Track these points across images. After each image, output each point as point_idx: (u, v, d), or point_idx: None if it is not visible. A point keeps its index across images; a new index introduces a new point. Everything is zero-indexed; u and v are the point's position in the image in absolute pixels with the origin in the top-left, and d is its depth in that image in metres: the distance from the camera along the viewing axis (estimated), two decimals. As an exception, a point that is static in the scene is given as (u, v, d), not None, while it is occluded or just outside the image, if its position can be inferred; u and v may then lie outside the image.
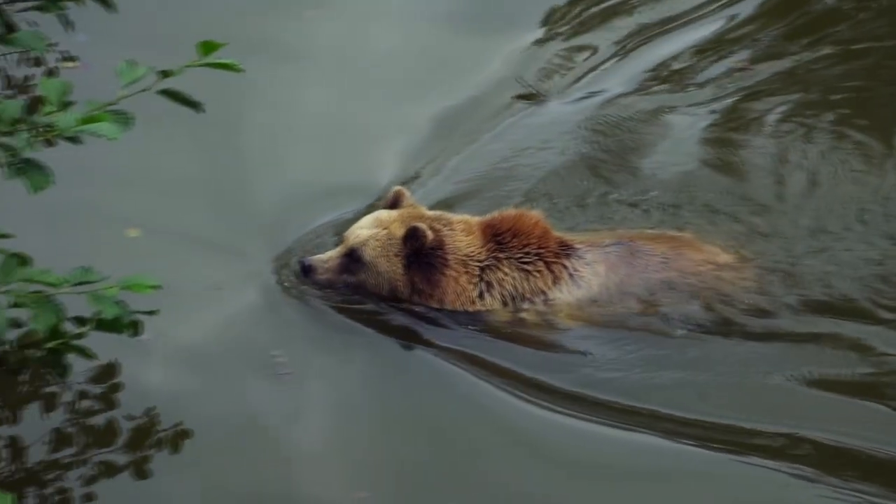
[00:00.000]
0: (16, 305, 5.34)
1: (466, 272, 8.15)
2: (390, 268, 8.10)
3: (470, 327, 8.15)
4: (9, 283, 5.33)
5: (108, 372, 7.63)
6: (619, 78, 10.92)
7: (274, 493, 7.19)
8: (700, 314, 8.21)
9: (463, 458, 7.44)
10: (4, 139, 5.16)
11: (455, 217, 8.33)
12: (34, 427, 7.31)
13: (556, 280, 8.17)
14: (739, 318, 8.21)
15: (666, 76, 10.98)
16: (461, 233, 8.19)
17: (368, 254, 8.12)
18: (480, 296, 8.17)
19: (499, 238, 8.20)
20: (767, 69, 10.98)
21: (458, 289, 8.14)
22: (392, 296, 8.19)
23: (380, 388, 7.86)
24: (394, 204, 8.32)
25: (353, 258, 8.16)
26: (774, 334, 8.19)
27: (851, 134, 9.85)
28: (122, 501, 7.01)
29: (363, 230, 8.15)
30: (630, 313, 8.19)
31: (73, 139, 5.20)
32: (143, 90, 5.31)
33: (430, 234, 8.03)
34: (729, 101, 10.50)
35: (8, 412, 7.36)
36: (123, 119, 5.26)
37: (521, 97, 10.49)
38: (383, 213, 8.24)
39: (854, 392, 7.80)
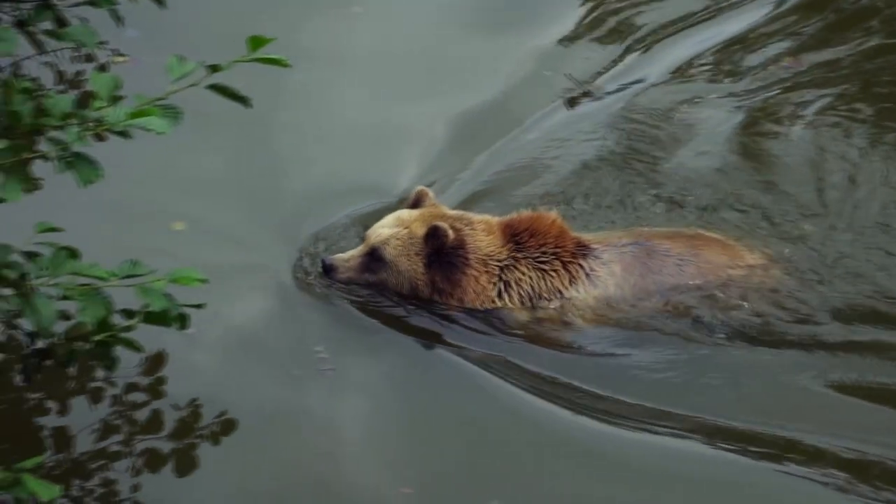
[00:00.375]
0: (65, 298, 5.39)
1: (486, 271, 8.17)
2: (411, 267, 8.13)
3: (491, 326, 8.15)
4: (58, 275, 5.38)
5: (153, 363, 7.69)
6: (657, 70, 10.88)
7: (317, 487, 7.23)
8: (715, 315, 8.19)
9: (500, 457, 7.46)
10: (55, 133, 5.20)
11: (476, 217, 8.35)
12: (80, 417, 7.38)
13: (572, 280, 8.18)
14: (757, 321, 8.18)
15: (701, 70, 10.93)
16: (482, 232, 8.21)
17: (389, 253, 8.14)
18: (499, 295, 8.20)
19: (517, 238, 8.23)
20: (810, 61, 10.95)
21: (478, 288, 8.16)
22: (412, 294, 8.21)
23: (414, 385, 7.91)
24: (416, 203, 8.35)
25: (374, 257, 8.19)
26: (798, 338, 8.14)
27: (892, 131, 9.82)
28: (165, 492, 7.06)
29: (384, 229, 8.19)
30: (645, 313, 8.18)
31: (123, 133, 5.23)
32: (192, 85, 5.33)
33: (451, 234, 8.05)
34: (767, 94, 10.43)
35: (55, 403, 7.46)
36: (173, 113, 5.29)
37: (576, 95, 10.49)
38: (405, 213, 8.29)
39: (885, 400, 7.77)
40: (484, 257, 8.20)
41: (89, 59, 9.80)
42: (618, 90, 10.63)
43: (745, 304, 8.20)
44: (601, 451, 7.47)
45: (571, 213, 9.06)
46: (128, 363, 7.53)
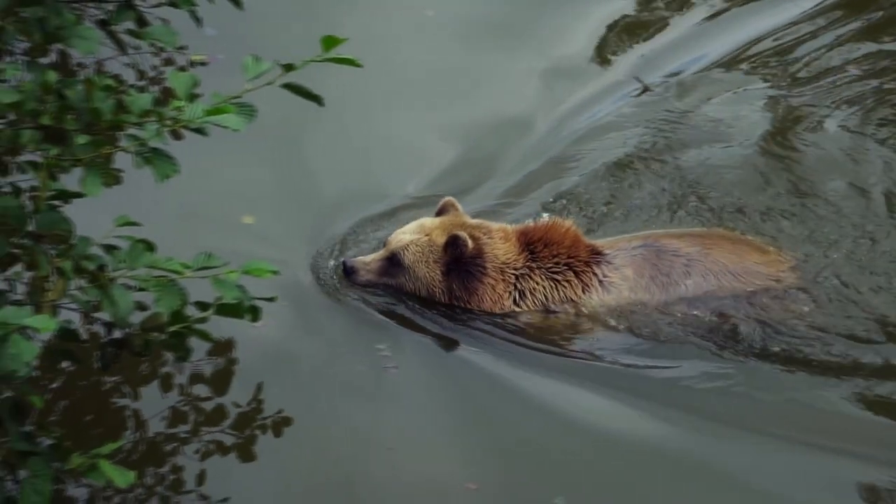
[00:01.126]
0: (141, 289, 5.49)
1: (503, 280, 8.25)
2: (429, 273, 8.23)
3: (516, 331, 8.24)
4: (135, 268, 5.48)
5: (218, 353, 7.85)
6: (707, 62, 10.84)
7: (382, 482, 7.32)
8: (722, 314, 8.20)
9: (564, 454, 7.53)
10: (134, 130, 5.31)
11: (494, 225, 8.42)
12: (151, 404, 7.52)
13: (585, 288, 8.23)
14: (768, 322, 8.19)
15: (751, 65, 10.88)
16: (499, 241, 8.29)
17: (408, 258, 8.24)
18: (515, 303, 8.27)
19: (532, 247, 8.29)
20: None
21: (495, 296, 8.25)
22: (429, 299, 8.31)
23: (474, 384, 7.95)
24: (441, 212, 8.44)
25: (393, 261, 8.30)
26: (811, 341, 8.15)
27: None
28: (230, 480, 7.18)
29: (405, 235, 8.31)
30: (658, 315, 8.21)
31: (200, 130, 5.32)
32: (267, 84, 5.41)
33: (470, 243, 8.12)
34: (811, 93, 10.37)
35: (129, 390, 7.59)
36: (248, 111, 5.37)
37: (641, 88, 10.47)
38: (427, 220, 8.41)
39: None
40: (501, 266, 8.28)
41: (169, 57, 9.99)
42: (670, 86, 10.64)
43: (754, 304, 8.21)
44: (663, 452, 7.51)
45: (608, 213, 9.11)
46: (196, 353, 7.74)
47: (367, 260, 8.41)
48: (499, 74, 10.66)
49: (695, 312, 8.24)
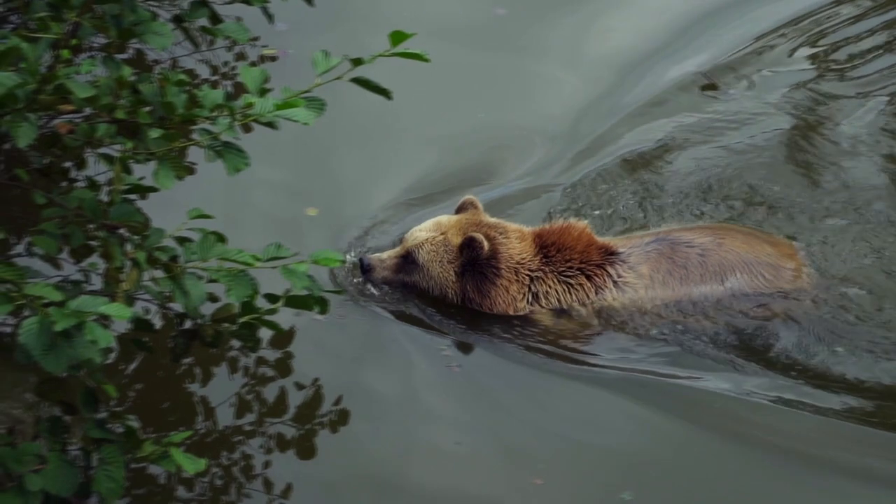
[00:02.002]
0: (212, 281, 5.58)
1: (517, 281, 8.21)
2: (442, 273, 8.18)
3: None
4: (207, 259, 5.57)
5: (284, 344, 7.94)
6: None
7: (448, 476, 7.38)
8: (739, 307, 8.18)
9: (630, 450, 7.54)
10: (206, 124, 5.40)
11: (511, 226, 8.35)
12: (222, 395, 7.64)
13: (598, 290, 8.18)
14: (781, 314, 8.18)
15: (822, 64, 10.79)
16: (515, 240, 8.23)
17: (423, 256, 8.19)
18: (529, 304, 8.23)
19: (546, 251, 8.24)
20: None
21: (508, 298, 8.22)
22: (442, 298, 8.27)
23: (532, 383, 7.96)
24: (460, 210, 8.40)
25: (408, 259, 8.25)
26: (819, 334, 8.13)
27: None
28: (297, 470, 7.25)
29: (421, 232, 8.27)
30: (678, 310, 8.19)
31: (270, 124, 5.40)
32: (337, 78, 5.48)
33: (486, 245, 8.08)
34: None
35: (200, 379, 7.72)
36: (317, 105, 5.44)
37: (705, 87, 10.42)
38: (444, 218, 8.37)
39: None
40: (516, 266, 8.24)
41: (241, 52, 10.10)
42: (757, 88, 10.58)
43: (772, 295, 8.22)
44: (728, 447, 7.54)
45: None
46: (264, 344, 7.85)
47: (384, 257, 8.35)
48: (560, 73, 10.65)
49: (715, 303, 8.23)
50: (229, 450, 7.29)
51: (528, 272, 8.24)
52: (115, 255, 5.47)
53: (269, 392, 7.68)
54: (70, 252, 5.73)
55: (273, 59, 10.02)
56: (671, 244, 8.28)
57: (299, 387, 7.71)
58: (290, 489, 7.13)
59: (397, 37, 5.37)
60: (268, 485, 7.13)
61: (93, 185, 5.77)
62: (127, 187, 5.58)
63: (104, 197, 5.61)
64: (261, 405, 7.60)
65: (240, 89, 5.54)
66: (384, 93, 5.56)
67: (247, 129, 5.50)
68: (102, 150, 5.59)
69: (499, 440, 7.59)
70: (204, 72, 9.85)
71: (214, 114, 5.38)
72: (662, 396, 7.83)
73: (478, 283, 8.21)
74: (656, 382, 7.92)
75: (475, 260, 8.16)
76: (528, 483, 7.29)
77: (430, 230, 8.28)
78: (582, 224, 8.34)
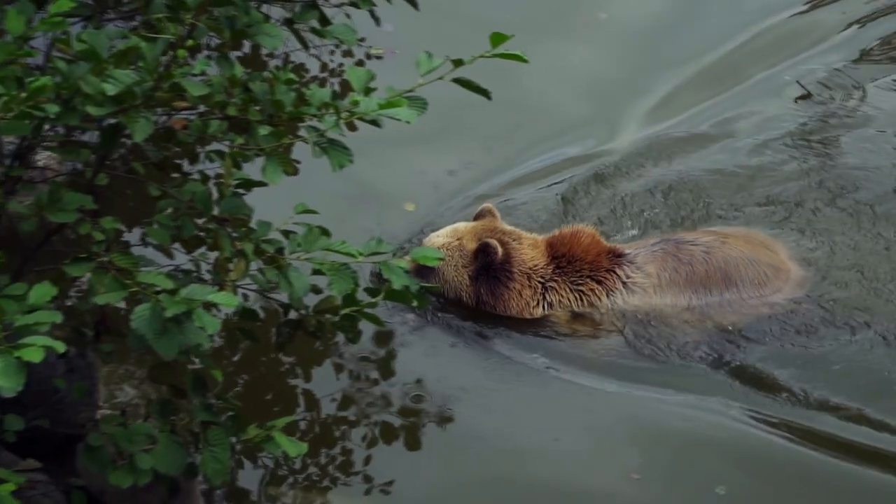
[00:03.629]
0: (315, 273, 5.69)
1: (530, 286, 8.23)
2: (457, 276, 8.21)
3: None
4: (311, 252, 5.69)
5: (385, 338, 8.09)
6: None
7: (547, 472, 7.48)
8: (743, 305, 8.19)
9: (722, 446, 7.57)
10: (313, 121, 5.50)
11: (525, 234, 8.37)
12: (325, 385, 7.78)
13: (609, 293, 8.19)
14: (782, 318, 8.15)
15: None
16: (529, 248, 8.26)
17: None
18: (544, 310, 8.26)
19: (558, 261, 8.26)
20: None
21: (522, 302, 8.24)
22: (456, 301, 8.30)
23: (628, 381, 8.03)
24: (478, 217, 8.43)
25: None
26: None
27: None
28: (394, 466, 7.37)
29: (438, 238, 8.30)
30: (686, 306, 8.18)
31: (374, 122, 5.47)
32: (438, 79, 5.53)
33: (500, 251, 8.09)
34: None
35: (304, 369, 7.86)
36: (419, 104, 5.50)
37: (800, 98, 10.32)
38: (461, 225, 8.41)
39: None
40: (528, 271, 8.27)
41: (349, 52, 10.24)
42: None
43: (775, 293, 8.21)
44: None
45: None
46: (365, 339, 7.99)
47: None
48: (655, 78, 10.63)
49: (723, 297, 8.24)
50: (329, 440, 7.44)
51: (540, 279, 8.30)
52: (224, 246, 5.58)
53: (371, 386, 7.82)
54: (182, 242, 5.87)
55: (379, 58, 10.15)
56: (676, 243, 8.34)
57: (400, 381, 7.86)
58: (391, 483, 7.28)
59: (497, 38, 5.42)
60: (367, 477, 7.28)
61: (204, 178, 5.90)
62: (236, 181, 5.70)
63: (214, 190, 5.76)
64: (362, 399, 7.72)
65: (348, 87, 5.62)
66: (484, 93, 5.61)
67: (351, 127, 5.61)
68: (214, 145, 5.72)
69: (595, 436, 7.67)
70: (314, 70, 10.02)
71: (321, 111, 5.46)
72: (754, 392, 7.82)
73: (491, 287, 8.28)
74: (745, 377, 7.92)
75: (489, 265, 8.22)
76: (626, 477, 7.36)
77: (446, 236, 8.36)
78: (590, 229, 8.41)
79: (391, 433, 7.54)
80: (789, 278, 8.38)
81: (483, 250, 8.20)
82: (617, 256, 8.37)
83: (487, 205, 8.53)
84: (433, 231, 8.62)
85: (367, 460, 7.37)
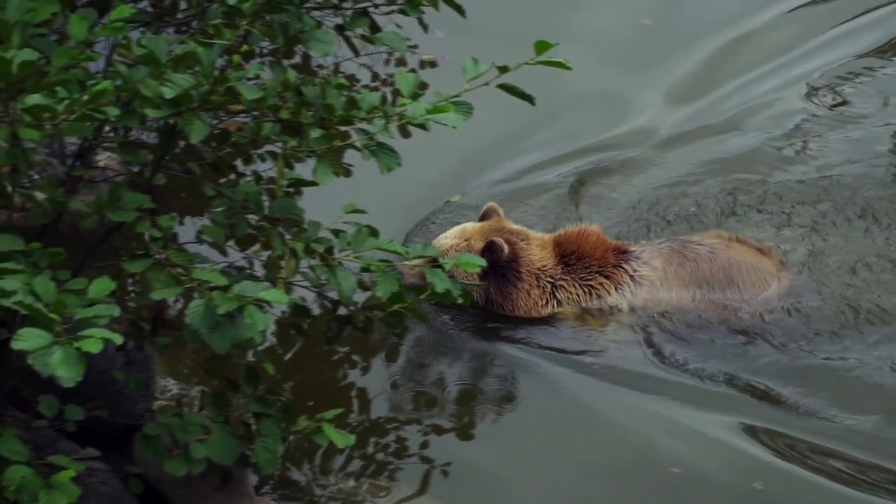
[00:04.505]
0: (363, 271, 5.77)
1: (538, 286, 8.20)
2: (466, 277, 8.06)
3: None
4: (360, 251, 5.76)
5: (431, 337, 8.15)
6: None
7: (593, 459, 7.54)
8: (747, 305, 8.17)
9: (760, 443, 7.56)
10: (363, 124, 5.54)
11: (533, 233, 8.34)
12: (374, 380, 7.85)
13: (618, 286, 8.18)
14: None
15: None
16: (537, 248, 8.23)
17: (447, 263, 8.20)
18: (553, 309, 8.24)
19: (566, 259, 8.24)
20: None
21: (530, 302, 8.20)
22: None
23: (657, 375, 8.04)
24: (484, 217, 8.39)
25: (433, 266, 8.25)
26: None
27: None
28: (443, 457, 7.40)
29: (446, 240, 8.26)
30: (690, 301, 8.18)
31: (422, 126, 5.50)
32: (484, 84, 5.56)
33: (506, 248, 8.05)
34: None
35: (352, 365, 7.95)
36: (465, 109, 5.53)
37: (834, 106, 10.25)
38: (468, 225, 8.37)
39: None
40: (537, 272, 8.24)
41: (402, 59, 10.27)
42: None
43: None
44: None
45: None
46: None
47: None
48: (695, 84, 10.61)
49: (724, 295, 8.25)
50: (378, 432, 7.49)
51: (549, 279, 8.29)
52: (276, 244, 5.66)
53: (419, 380, 7.88)
54: (235, 240, 5.95)
55: (432, 64, 10.19)
56: (682, 242, 8.38)
57: (447, 376, 7.92)
58: (446, 474, 7.32)
59: (541, 46, 5.45)
60: (416, 469, 7.33)
61: (258, 179, 5.98)
62: (288, 182, 5.79)
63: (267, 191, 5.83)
64: (410, 392, 7.77)
65: (400, 95, 5.65)
66: (528, 98, 5.63)
67: (405, 133, 5.66)
68: (267, 147, 5.79)
69: (638, 432, 7.66)
70: (367, 76, 10.08)
71: (370, 115, 5.50)
72: (784, 390, 7.82)
73: (500, 286, 8.26)
74: (769, 375, 7.93)
75: (496, 263, 8.18)
76: (668, 472, 7.36)
77: (454, 237, 8.32)
78: (595, 228, 8.42)
79: (439, 426, 7.58)
80: (787, 286, 8.39)
81: (489, 249, 8.16)
82: (623, 253, 8.40)
83: (492, 204, 8.53)
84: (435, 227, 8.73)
85: (416, 452, 7.42)
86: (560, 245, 8.39)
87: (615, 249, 8.42)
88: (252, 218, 5.78)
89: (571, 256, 8.35)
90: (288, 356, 7.82)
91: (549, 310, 8.32)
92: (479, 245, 8.22)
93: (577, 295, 8.32)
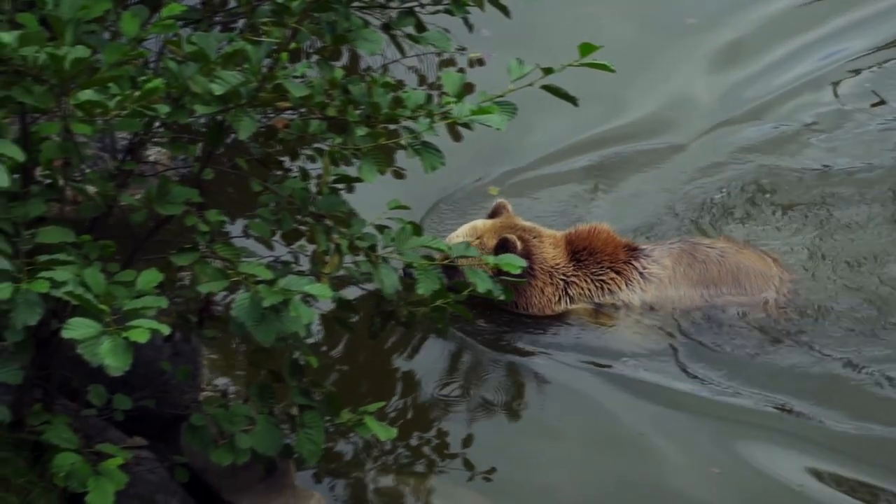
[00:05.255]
0: (408, 265, 5.76)
1: (552, 283, 8.15)
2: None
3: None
4: (403, 248, 5.76)
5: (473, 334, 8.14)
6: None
7: (632, 462, 7.48)
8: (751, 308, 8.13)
9: (798, 441, 7.53)
10: (409, 123, 5.55)
11: (545, 230, 8.28)
12: (417, 374, 7.86)
13: (628, 282, 8.14)
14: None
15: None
16: (549, 245, 8.17)
17: (460, 260, 8.15)
18: (566, 305, 8.20)
19: (578, 255, 8.19)
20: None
21: (544, 300, 8.16)
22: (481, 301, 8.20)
23: (700, 376, 7.99)
24: (493, 214, 8.33)
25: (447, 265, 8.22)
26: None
27: None
28: (488, 453, 7.39)
29: (458, 238, 8.16)
30: (697, 301, 8.14)
31: (466, 125, 5.50)
32: (528, 85, 5.54)
33: (519, 245, 7.96)
34: None
35: (398, 356, 7.95)
36: (509, 110, 5.51)
37: (876, 105, 10.16)
38: (479, 222, 8.31)
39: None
40: (550, 269, 8.20)
41: (450, 59, 10.25)
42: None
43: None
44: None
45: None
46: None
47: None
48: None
49: (731, 297, 8.21)
50: (420, 426, 7.51)
51: (562, 277, 8.25)
52: (321, 240, 5.67)
53: (461, 375, 7.89)
54: (281, 235, 5.97)
55: (480, 63, 10.18)
56: (693, 244, 8.36)
57: (489, 372, 7.92)
58: (493, 470, 7.30)
59: (586, 48, 5.41)
60: (457, 463, 7.32)
61: (304, 175, 5.99)
62: (334, 178, 5.79)
63: (314, 187, 5.84)
64: (453, 386, 7.78)
65: (442, 92, 5.65)
66: (572, 100, 5.60)
67: (455, 136, 5.65)
68: (314, 144, 5.79)
69: (676, 432, 7.62)
70: (413, 77, 10.08)
71: (415, 114, 5.50)
72: (831, 387, 7.76)
73: (513, 283, 8.22)
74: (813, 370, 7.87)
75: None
76: (707, 471, 7.33)
77: (466, 235, 8.26)
78: (605, 226, 8.39)
79: (479, 421, 7.59)
80: (793, 292, 8.36)
81: (502, 246, 8.08)
82: (633, 250, 8.40)
83: (501, 200, 8.49)
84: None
85: (458, 445, 7.42)
86: (571, 242, 8.38)
87: (626, 247, 8.41)
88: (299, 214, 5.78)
89: (583, 252, 8.35)
90: (332, 349, 7.84)
91: (562, 307, 8.30)
92: (492, 242, 8.18)
93: (589, 290, 8.30)
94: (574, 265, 8.32)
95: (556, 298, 8.29)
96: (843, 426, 7.57)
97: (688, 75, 10.46)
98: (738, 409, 7.72)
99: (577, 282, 8.30)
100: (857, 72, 10.46)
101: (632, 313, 8.26)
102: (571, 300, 8.31)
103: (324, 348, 7.81)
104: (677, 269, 8.28)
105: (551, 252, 8.30)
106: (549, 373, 7.97)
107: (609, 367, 8.04)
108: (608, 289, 8.30)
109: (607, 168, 9.54)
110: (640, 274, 8.30)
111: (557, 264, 8.31)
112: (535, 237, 8.30)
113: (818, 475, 7.29)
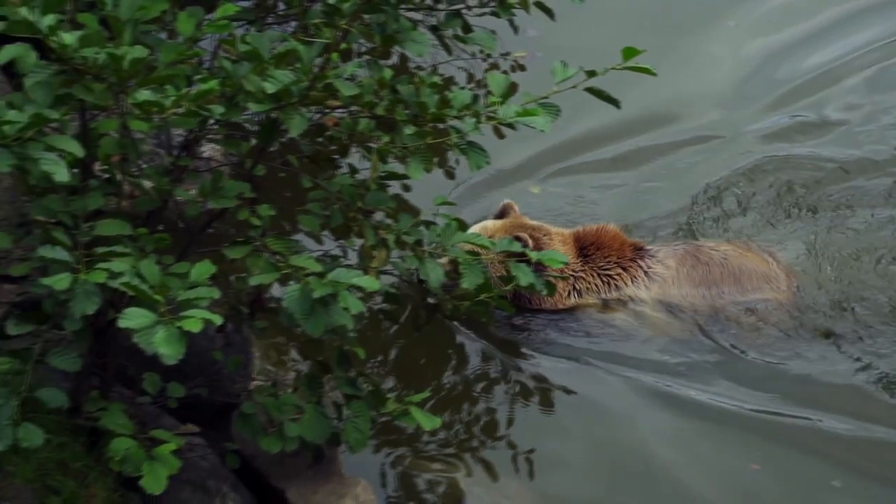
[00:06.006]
0: (452, 262, 5.82)
1: (562, 279, 8.08)
2: (492, 273, 8.05)
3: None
4: (448, 244, 5.81)
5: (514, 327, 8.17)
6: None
7: (673, 457, 7.51)
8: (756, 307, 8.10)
9: (838, 441, 7.51)
10: (455, 122, 5.56)
11: (553, 228, 8.27)
12: (461, 366, 7.90)
13: (633, 279, 8.15)
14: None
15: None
16: (559, 243, 8.16)
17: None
18: (575, 300, 8.19)
19: (586, 251, 8.20)
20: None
21: (555, 296, 8.10)
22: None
23: (744, 375, 7.98)
24: (501, 215, 8.33)
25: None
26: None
27: None
28: (531, 446, 7.42)
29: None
30: (698, 301, 8.10)
31: (511, 126, 5.52)
32: (572, 87, 5.54)
33: (531, 243, 7.92)
34: None
35: (439, 348, 7.99)
36: (552, 111, 5.52)
37: None
38: (489, 223, 8.28)
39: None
40: (560, 266, 8.17)
41: (495, 66, 10.23)
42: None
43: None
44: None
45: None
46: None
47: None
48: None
49: (735, 300, 8.19)
50: (464, 416, 7.55)
51: (571, 273, 8.26)
52: (369, 235, 5.73)
53: (504, 368, 7.91)
54: (330, 230, 6.02)
55: (524, 68, 10.20)
56: (697, 246, 8.39)
57: (532, 365, 7.94)
58: (530, 460, 7.34)
59: (629, 52, 5.42)
60: (500, 455, 7.37)
61: (353, 172, 6.02)
62: (382, 174, 5.83)
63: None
64: (497, 378, 7.80)
65: (488, 93, 5.66)
66: (614, 102, 5.61)
67: (499, 135, 5.65)
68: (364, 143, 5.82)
69: (717, 428, 7.63)
70: (464, 76, 10.11)
71: (462, 113, 5.52)
72: (874, 389, 7.71)
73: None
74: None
75: (521, 259, 8.16)
76: (747, 468, 7.32)
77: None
78: (613, 226, 8.42)
79: (522, 413, 7.62)
80: (795, 295, 8.34)
81: None
82: (639, 250, 8.44)
83: (508, 201, 8.51)
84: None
85: (502, 437, 7.46)
86: (579, 239, 8.43)
87: (632, 246, 8.45)
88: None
89: (590, 248, 8.39)
90: (379, 340, 7.88)
91: (571, 301, 8.33)
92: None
93: (596, 285, 8.34)
94: (582, 261, 8.37)
95: (566, 293, 8.33)
96: (843, 426, 7.56)
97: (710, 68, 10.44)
98: (740, 410, 7.74)
99: (585, 276, 8.35)
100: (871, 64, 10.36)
101: (637, 309, 8.27)
102: (579, 294, 8.35)
103: (371, 338, 7.85)
104: (680, 270, 8.31)
105: (561, 249, 8.30)
106: (574, 374, 8.02)
107: (624, 368, 8.09)
108: (615, 284, 8.34)
109: (630, 160, 9.53)
110: (645, 272, 8.34)
111: (567, 261, 8.34)
112: (544, 235, 8.33)
113: (818, 474, 7.31)
